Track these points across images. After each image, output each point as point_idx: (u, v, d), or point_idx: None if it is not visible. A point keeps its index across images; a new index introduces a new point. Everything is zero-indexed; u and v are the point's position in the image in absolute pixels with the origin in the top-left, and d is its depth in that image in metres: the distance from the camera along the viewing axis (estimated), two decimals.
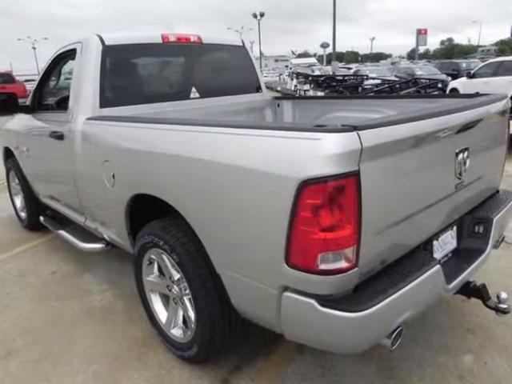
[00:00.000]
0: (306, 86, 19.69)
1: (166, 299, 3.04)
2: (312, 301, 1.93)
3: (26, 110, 4.61)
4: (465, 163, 2.50)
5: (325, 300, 1.92)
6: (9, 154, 5.41)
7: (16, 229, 5.75)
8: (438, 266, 2.23)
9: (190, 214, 2.44)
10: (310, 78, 19.93)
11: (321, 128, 1.85)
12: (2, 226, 5.93)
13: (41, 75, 4.55)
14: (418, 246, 2.39)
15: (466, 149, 2.50)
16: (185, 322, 2.87)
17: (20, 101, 4.61)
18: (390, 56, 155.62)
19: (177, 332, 2.92)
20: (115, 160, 3.05)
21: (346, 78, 19.13)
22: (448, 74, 21.57)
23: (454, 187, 2.49)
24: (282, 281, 2.01)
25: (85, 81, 3.58)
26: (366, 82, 17.57)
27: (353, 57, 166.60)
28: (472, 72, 15.85)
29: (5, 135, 5.38)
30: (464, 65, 24.48)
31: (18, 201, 5.74)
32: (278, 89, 29.81)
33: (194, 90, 4.23)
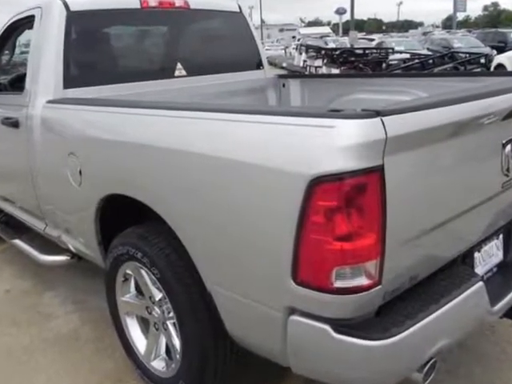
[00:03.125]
0: (318, 62, 19.76)
1: (145, 324, 3.05)
2: (325, 326, 1.92)
3: None
4: None
5: (341, 325, 1.91)
6: None
7: None
8: (480, 284, 2.23)
9: (175, 218, 2.44)
10: (323, 52, 19.99)
11: (336, 113, 1.85)
12: None
13: None
14: (456, 258, 2.38)
15: None
16: (168, 352, 2.87)
17: None
18: (420, 25, 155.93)
19: (158, 364, 2.92)
20: (83, 153, 3.05)
21: (367, 51, 19.18)
22: (493, 47, 21.63)
23: (501, 186, 2.48)
24: (288, 301, 2.01)
25: (45, 55, 3.58)
26: (391, 57, 17.61)
27: (375, 26, 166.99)
28: None
29: None
30: None
31: None
32: (284, 65, 29.87)
33: (179, 66, 4.23)
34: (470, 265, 2.48)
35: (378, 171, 1.81)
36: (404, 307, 2.03)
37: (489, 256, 2.63)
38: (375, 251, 1.87)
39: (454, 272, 2.29)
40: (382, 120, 1.78)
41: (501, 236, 2.73)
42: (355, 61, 17.06)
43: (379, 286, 1.92)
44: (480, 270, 2.54)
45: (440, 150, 2.06)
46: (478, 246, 2.53)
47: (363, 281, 1.88)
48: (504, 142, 2.41)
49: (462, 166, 2.22)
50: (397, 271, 2.01)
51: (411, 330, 1.91)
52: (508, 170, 2.47)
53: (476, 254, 2.53)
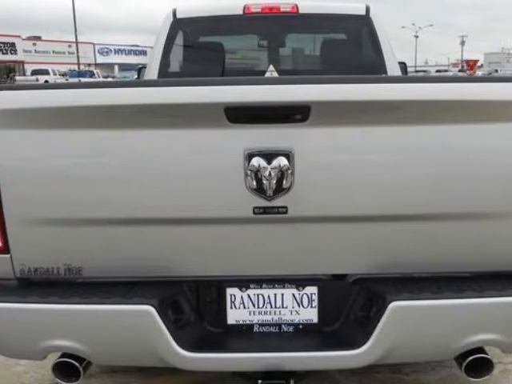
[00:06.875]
0: None
1: None
2: None
3: None
4: None
5: None
6: None
7: None
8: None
9: None
10: None
11: None
12: None
13: None
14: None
15: None
16: None
17: None
18: None
19: None
20: None
21: None
22: None
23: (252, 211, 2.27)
24: None
25: (150, 59, 3.89)
26: None
27: None
28: None
29: None
30: None
31: None
32: None
33: (271, 68, 4.23)
34: (217, 299, 2.49)
35: None
36: None
37: (271, 304, 2.49)
38: None
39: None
40: None
41: (311, 290, 2.47)
42: None
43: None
44: (241, 315, 2.47)
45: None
46: (238, 283, 2.46)
47: None
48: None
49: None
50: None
51: None
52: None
53: (232, 291, 2.47)
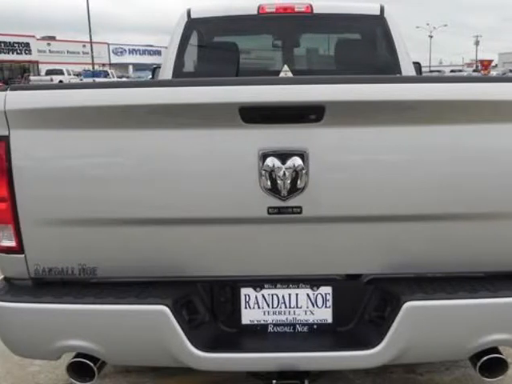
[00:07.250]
0: None
1: None
2: None
3: None
4: None
5: None
6: None
7: None
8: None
9: None
10: None
11: None
12: None
13: None
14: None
15: None
16: None
17: None
18: None
19: None
20: None
21: None
22: None
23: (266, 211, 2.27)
24: None
25: (164, 59, 3.92)
26: None
27: None
28: None
29: None
30: None
31: None
32: None
33: (285, 68, 4.16)
34: (231, 299, 2.47)
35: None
36: None
37: (286, 304, 2.47)
38: None
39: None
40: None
41: (326, 290, 2.46)
42: None
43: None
44: (255, 314, 2.47)
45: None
46: (252, 283, 2.45)
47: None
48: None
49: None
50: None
51: None
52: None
53: (247, 291, 2.46)
